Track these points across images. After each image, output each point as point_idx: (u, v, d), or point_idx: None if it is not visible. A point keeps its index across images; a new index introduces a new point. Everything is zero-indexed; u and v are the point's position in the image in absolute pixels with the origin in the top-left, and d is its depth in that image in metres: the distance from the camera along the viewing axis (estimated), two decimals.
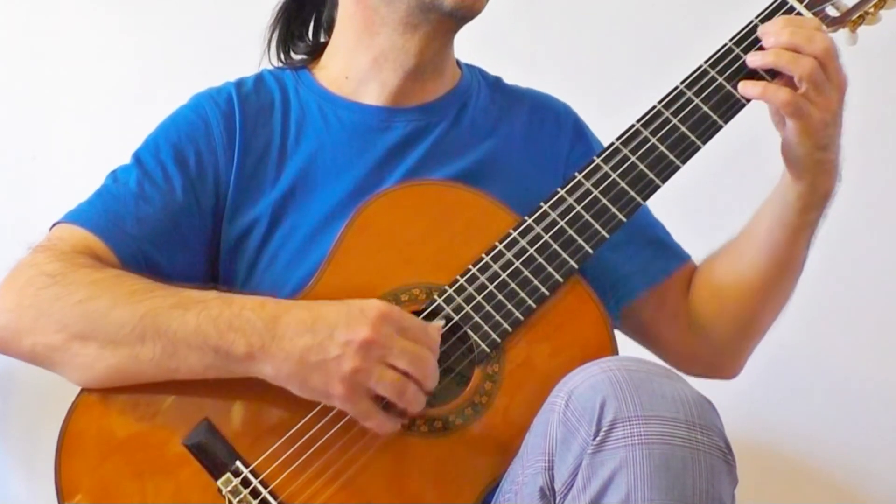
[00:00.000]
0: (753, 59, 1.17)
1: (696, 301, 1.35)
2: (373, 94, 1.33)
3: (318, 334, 1.07)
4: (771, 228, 1.25)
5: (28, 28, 2.04)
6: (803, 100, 1.13)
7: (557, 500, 1.02)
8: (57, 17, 2.04)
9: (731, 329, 1.33)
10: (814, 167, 1.18)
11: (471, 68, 1.42)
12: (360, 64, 1.33)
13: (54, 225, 1.25)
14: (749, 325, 1.33)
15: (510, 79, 1.44)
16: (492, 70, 1.44)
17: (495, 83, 1.43)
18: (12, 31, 2.05)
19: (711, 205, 1.95)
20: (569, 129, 1.40)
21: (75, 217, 1.24)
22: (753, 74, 1.17)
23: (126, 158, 1.31)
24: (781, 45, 1.15)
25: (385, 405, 1.10)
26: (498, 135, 1.36)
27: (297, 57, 1.42)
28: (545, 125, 1.39)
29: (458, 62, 1.41)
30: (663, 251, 1.38)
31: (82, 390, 1.14)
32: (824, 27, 1.18)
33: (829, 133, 1.16)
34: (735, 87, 1.17)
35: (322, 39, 1.43)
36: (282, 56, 1.42)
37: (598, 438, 0.98)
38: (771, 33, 1.16)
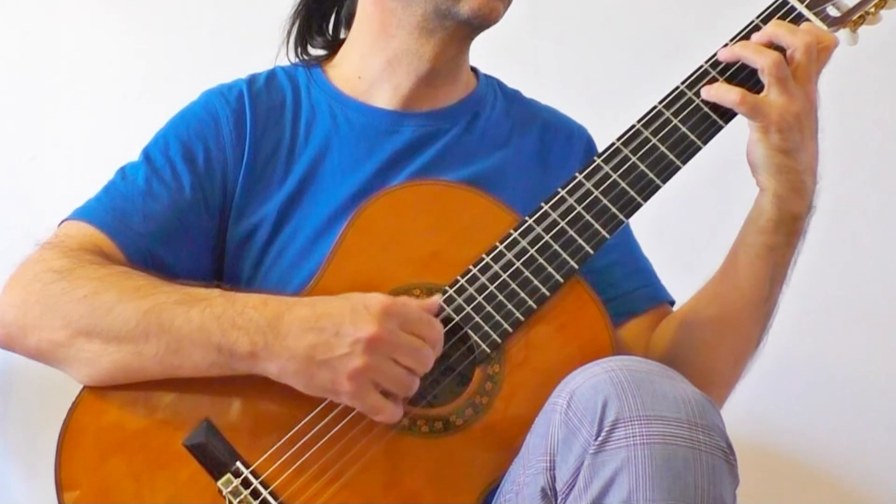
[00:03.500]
0: (723, 53, 1.17)
1: (654, 344, 1.31)
2: (384, 96, 1.33)
3: (323, 332, 1.07)
4: (735, 253, 1.22)
5: (28, 28, 2.04)
6: (758, 99, 1.13)
7: (559, 501, 1.02)
8: (57, 16, 2.04)
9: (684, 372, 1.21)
10: (776, 174, 1.15)
11: (489, 79, 1.42)
12: (374, 65, 1.33)
13: (62, 222, 1.25)
14: (703, 369, 1.23)
15: (511, 82, 1.44)
16: (493, 73, 1.44)
17: (513, 96, 1.42)
18: (12, 31, 2.05)
19: (711, 209, 1.95)
20: (580, 148, 1.40)
21: (83, 214, 1.24)
22: (753, 74, 1.17)
23: (126, 158, 1.31)
24: (762, 39, 1.16)
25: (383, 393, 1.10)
26: (509, 147, 1.35)
27: (313, 52, 1.41)
28: (556, 142, 1.39)
29: (476, 71, 1.41)
30: (641, 288, 1.35)
31: (84, 388, 1.14)
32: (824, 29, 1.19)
33: (792, 137, 1.14)
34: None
35: (341, 36, 1.42)
36: (299, 50, 1.41)
37: (599, 438, 0.98)
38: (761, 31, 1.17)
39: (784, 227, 1.18)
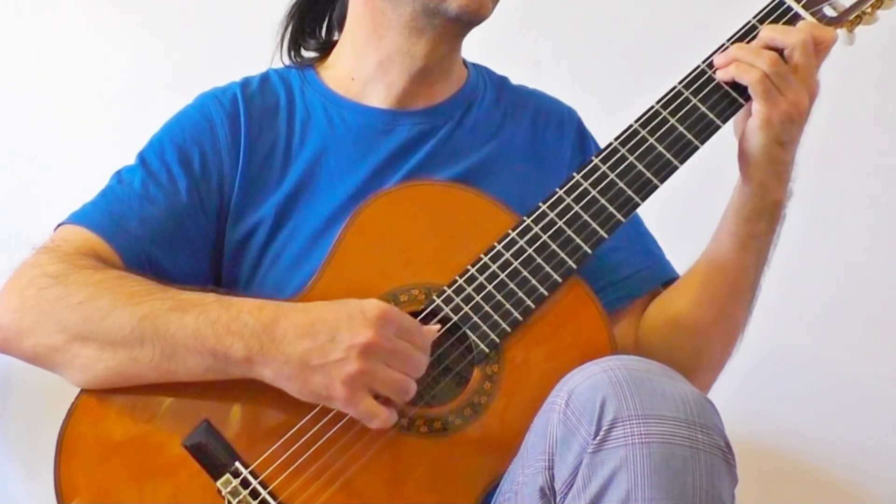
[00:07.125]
0: (717, 59, 1.18)
1: (644, 329, 1.32)
2: (378, 95, 1.33)
3: (318, 337, 1.07)
4: (719, 242, 1.23)
5: (28, 28, 2.04)
6: (773, 85, 1.13)
7: (558, 500, 1.03)
8: (57, 16, 2.04)
9: (674, 361, 1.18)
10: (767, 164, 1.17)
11: (477, 68, 1.42)
12: (366, 65, 1.33)
13: (59, 226, 1.25)
14: (694, 354, 1.26)
15: (513, 79, 1.44)
16: (492, 70, 1.44)
17: (500, 83, 1.42)
18: (12, 31, 2.05)
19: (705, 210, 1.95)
20: (572, 133, 1.40)
21: (79, 218, 1.24)
22: None
23: (126, 159, 1.31)
24: (758, 45, 1.16)
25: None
26: (501, 136, 1.36)
27: (307, 54, 1.41)
28: (548, 128, 1.39)
29: (465, 62, 1.41)
30: (642, 270, 1.35)
31: (81, 391, 1.14)
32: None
33: (792, 131, 1.15)
34: (732, 88, 1.17)
35: (334, 37, 1.42)
36: (292, 53, 1.42)
37: (598, 437, 0.98)
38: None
39: (766, 214, 1.20)
